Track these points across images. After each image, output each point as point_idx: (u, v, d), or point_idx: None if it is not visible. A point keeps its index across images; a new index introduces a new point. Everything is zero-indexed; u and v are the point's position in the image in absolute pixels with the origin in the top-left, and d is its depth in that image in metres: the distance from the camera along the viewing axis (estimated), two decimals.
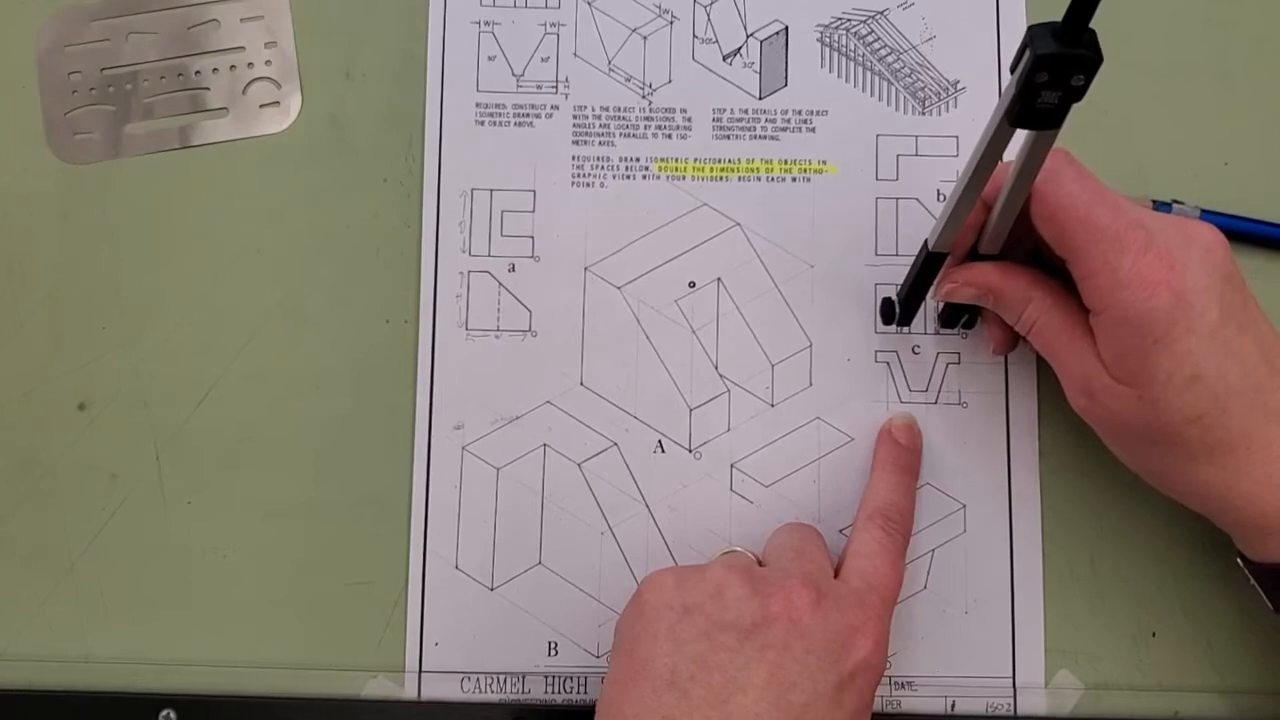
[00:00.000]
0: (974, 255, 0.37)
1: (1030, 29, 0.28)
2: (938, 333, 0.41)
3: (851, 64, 0.43)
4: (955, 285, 0.37)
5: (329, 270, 0.42)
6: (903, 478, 0.39)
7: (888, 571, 0.35)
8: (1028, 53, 0.27)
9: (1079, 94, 0.28)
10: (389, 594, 0.40)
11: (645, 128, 0.42)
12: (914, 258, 0.38)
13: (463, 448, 0.41)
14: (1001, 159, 0.32)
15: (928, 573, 0.40)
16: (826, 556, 0.36)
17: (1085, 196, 0.33)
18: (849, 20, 0.43)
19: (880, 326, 0.41)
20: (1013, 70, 0.29)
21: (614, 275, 0.42)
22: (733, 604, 0.33)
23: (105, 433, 0.41)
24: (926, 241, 0.37)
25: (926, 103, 0.42)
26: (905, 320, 0.40)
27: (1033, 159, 0.32)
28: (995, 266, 0.37)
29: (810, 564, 0.35)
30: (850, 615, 0.33)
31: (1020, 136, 0.31)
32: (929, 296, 0.39)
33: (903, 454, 0.39)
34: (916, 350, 0.41)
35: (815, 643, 0.32)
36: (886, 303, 0.41)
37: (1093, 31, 0.27)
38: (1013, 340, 0.39)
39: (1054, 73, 0.27)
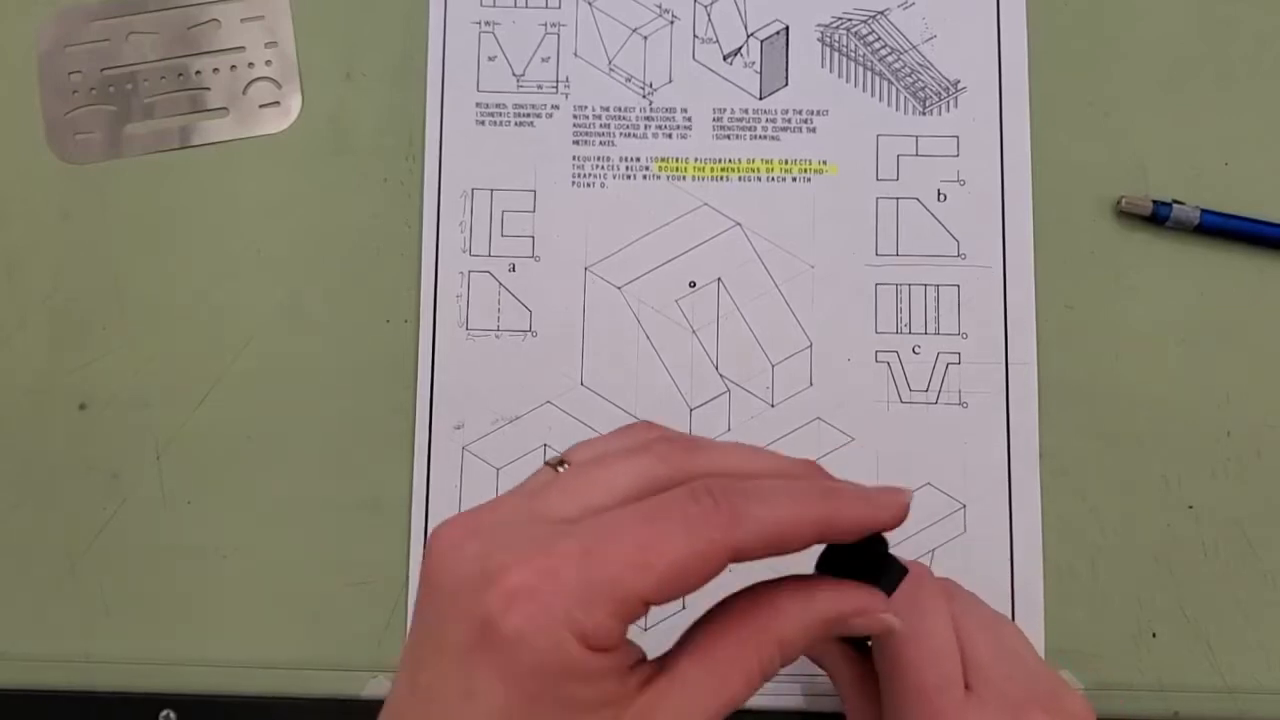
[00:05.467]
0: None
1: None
2: (938, 333, 0.41)
3: (852, 64, 0.43)
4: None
5: (329, 270, 0.42)
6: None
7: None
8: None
9: None
10: (389, 594, 0.40)
11: (645, 128, 0.42)
12: None
13: (463, 448, 0.41)
14: None
15: None
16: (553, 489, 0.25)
17: (911, 636, 0.30)
18: (849, 20, 0.43)
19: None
20: None
21: (614, 275, 0.42)
22: None
23: (105, 433, 0.41)
24: None
25: (927, 103, 0.42)
26: None
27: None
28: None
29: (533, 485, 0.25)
30: (495, 557, 0.23)
31: None
32: None
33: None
34: (917, 350, 0.41)
35: (442, 597, 0.23)
36: None
37: None
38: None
39: None
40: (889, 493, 0.25)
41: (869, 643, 0.31)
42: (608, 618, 0.22)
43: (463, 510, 0.25)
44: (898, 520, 0.25)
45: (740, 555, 0.23)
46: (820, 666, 0.34)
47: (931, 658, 0.29)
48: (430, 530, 0.25)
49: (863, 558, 0.26)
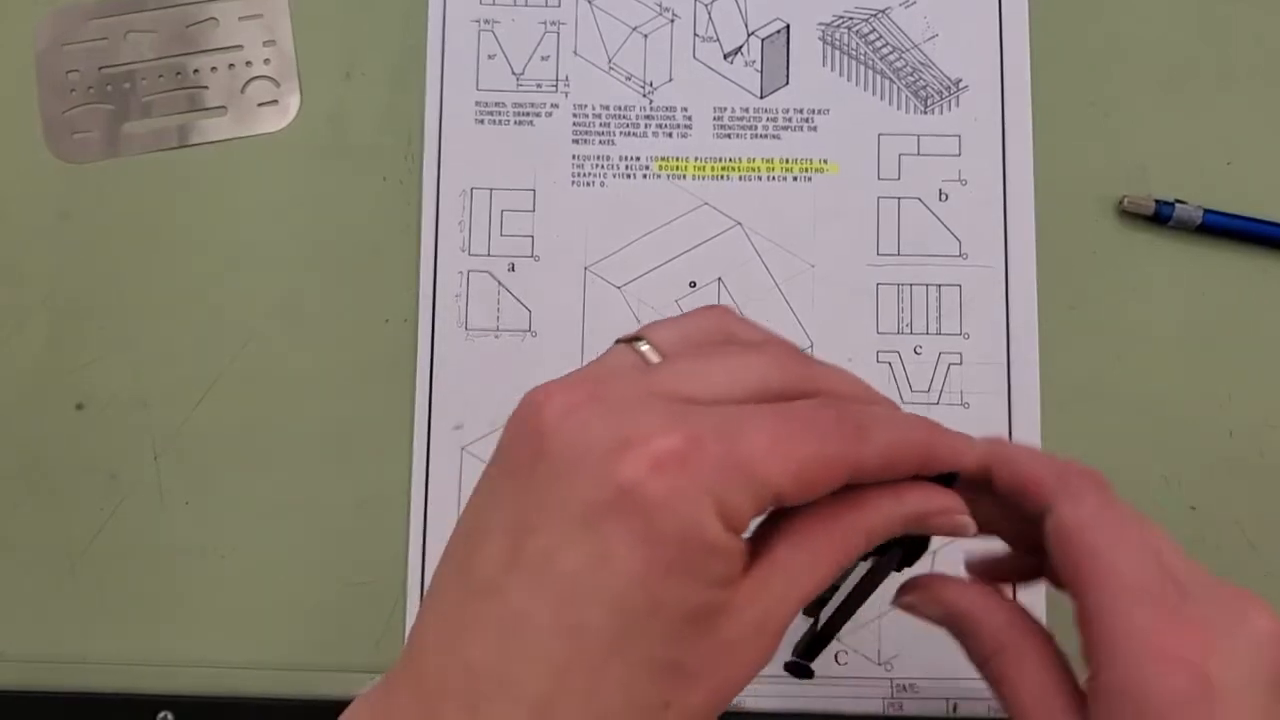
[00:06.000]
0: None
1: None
2: (940, 334, 0.41)
3: (853, 62, 0.43)
4: (919, 598, 0.30)
5: (328, 270, 0.42)
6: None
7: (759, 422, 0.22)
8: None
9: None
10: (389, 594, 0.40)
11: (646, 126, 0.42)
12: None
13: (462, 448, 0.41)
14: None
15: None
16: (706, 361, 0.24)
17: (1107, 529, 0.26)
18: (851, 18, 0.43)
19: None
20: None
21: (614, 275, 0.42)
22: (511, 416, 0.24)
23: (104, 433, 0.41)
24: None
25: (928, 101, 0.42)
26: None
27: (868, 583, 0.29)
28: (977, 590, 0.29)
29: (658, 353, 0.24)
30: (629, 424, 0.22)
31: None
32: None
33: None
34: (918, 350, 0.41)
35: (563, 460, 0.22)
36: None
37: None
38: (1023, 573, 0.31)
39: None
40: (970, 437, 0.26)
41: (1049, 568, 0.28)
42: (746, 500, 0.21)
43: (557, 380, 0.23)
44: (978, 462, 0.26)
45: (857, 473, 0.23)
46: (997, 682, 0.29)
47: (1140, 559, 0.26)
48: (531, 393, 0.23)
49: None
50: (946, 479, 0.26)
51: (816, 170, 0.42)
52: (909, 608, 0.30)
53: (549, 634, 0.21)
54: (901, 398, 0.41)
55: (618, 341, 0.25)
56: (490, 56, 0.43)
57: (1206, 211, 0.41)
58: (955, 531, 0.26)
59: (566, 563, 0.21)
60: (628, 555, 0.21)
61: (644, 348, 0.24)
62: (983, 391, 0.41)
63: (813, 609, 0.35)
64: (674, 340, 0.25)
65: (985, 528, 0.29)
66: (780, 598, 0.23)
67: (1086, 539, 0.26)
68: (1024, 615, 0.28)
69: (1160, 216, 0.41)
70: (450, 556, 0.23)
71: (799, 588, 0.24)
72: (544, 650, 0.21)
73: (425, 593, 0.24)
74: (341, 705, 0.40)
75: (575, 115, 0.42)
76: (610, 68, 0.43)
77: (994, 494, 0.28)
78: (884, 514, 0.25)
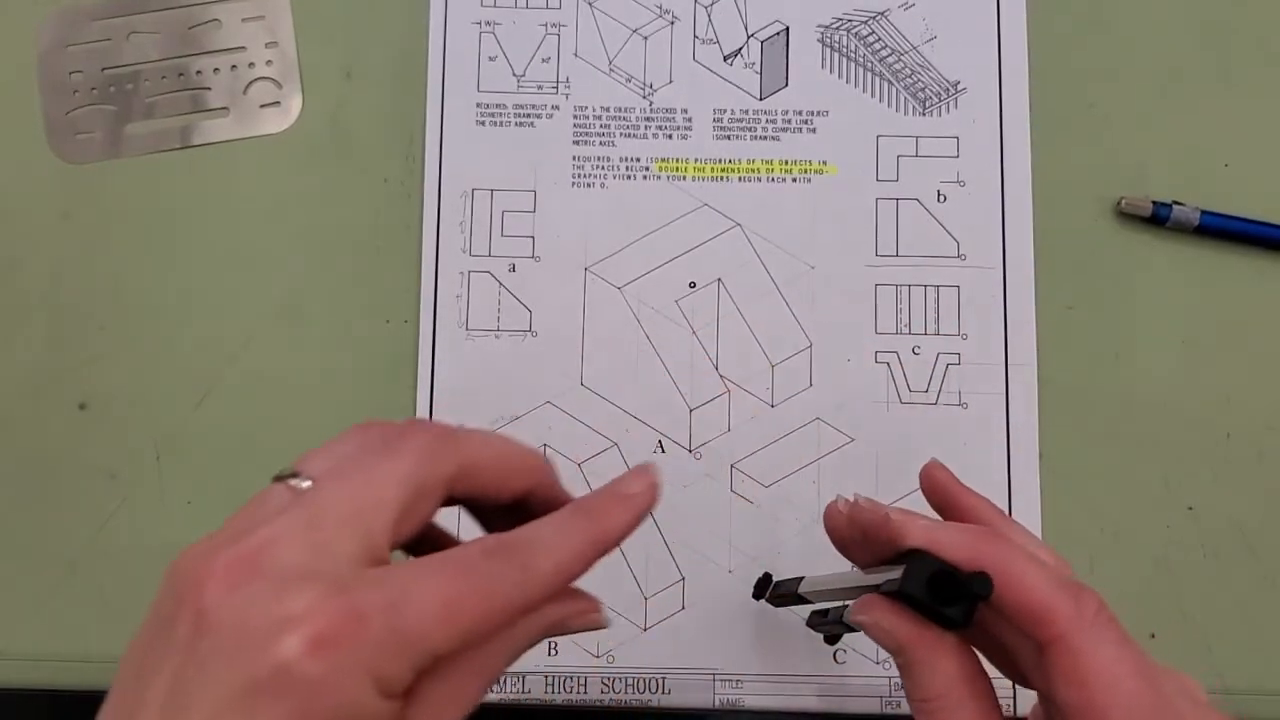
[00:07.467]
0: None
1: (915, 559, 0.25)
2: (938, 334, 0.41)
3: (852, 64, 0.43)
4: (870, 620, 0.28)
5: (329, 270, 0.42)
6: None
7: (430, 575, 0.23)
8: (903, 573, 0.25)
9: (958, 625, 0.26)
10: None
11: (646, 128, 0.42)
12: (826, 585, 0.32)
13: None
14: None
15: None
16: (377, 498, 0.24)
17: (1127, 667, 0.26)
18: (850, 21, 0.43)
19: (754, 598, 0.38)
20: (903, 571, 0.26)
21: (614, 275, 0.42)
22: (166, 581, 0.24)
23: (105, 433, 0.41)
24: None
25: (927, 103, 0.42)
26: (768, 599, 0.36)
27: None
28: (931, 631, 0.27)
29: (302, 513, 0.23)
30: (290, 601, 0.22)
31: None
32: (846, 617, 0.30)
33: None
34: (917, 350, 0.41)
35: (223, 638, 0.22)
36: (765, 577, 0.37)
37: (972, 600, 0.25)
38: None
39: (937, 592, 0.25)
40: (637, 478, 0.26)
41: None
42: (406, 668, 0.22)
43: (220, 538, 0.24)
44: (655, 499, 0.26)
45: (525, 612, 0.24)
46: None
47: (1155, 697, 0.25)
48: (189, 559, 0.24)
49: (939, 584, 0.25)
50: (979, 579, 0.25)
51: (816, 172, 0.42)
52: (861, 625, 0.28)
53: None
54: (900, 398, 0.41)
55: (275, 479, 0.25)
56: (491, 58, 0.43)
57: (1204, 213, 0.41)
58: (593, 627, 0.27)
59: None
60: None
61: (300, 484, 0.24)
62: (981, 392, 0.41)
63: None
64: (326, 468, 0.25)
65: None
66: None
67: (1105, 677, 0.25)
68: (973, 663, 0.27)
69: (1158, 218, 0.41)
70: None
71: (450, 714, 0.24)
72: None
73: None
74: None
75: (575, 116, 0.42)
76: (610, 69, 0.43)
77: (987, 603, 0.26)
78: (524, 631, 0.25)
